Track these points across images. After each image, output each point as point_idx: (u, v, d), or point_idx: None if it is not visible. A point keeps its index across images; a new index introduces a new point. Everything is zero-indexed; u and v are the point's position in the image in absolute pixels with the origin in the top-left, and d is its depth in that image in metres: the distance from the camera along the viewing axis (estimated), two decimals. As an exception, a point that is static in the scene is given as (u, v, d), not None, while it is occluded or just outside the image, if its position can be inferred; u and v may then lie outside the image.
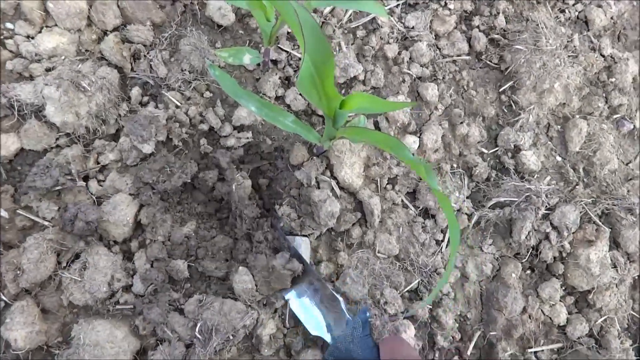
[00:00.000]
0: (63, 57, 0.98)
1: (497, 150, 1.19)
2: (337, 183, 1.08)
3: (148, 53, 1.04)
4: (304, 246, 1.04)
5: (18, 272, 0.91)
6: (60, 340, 0.94)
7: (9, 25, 0.97)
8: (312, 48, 0.69)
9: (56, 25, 0.99)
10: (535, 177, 1.18)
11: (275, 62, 1.10)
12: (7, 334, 0.88)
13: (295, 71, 1.11)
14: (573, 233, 1.14)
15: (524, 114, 1.20)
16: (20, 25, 0.97)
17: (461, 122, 1.17)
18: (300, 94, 1.10)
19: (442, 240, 1.12)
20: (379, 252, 1.09)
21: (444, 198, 0.63)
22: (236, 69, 1.09)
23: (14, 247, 0.93)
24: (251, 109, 0.90)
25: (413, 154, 0.87)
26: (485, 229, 1.15)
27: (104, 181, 0.98)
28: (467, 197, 1.15)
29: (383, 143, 0.81)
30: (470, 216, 1.14)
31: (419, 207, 1.13)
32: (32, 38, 0.98)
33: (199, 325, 0.91)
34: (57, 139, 0.97)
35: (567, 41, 1.22)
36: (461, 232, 1.13)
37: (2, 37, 0.96)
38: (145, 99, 1.04)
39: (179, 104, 1.03)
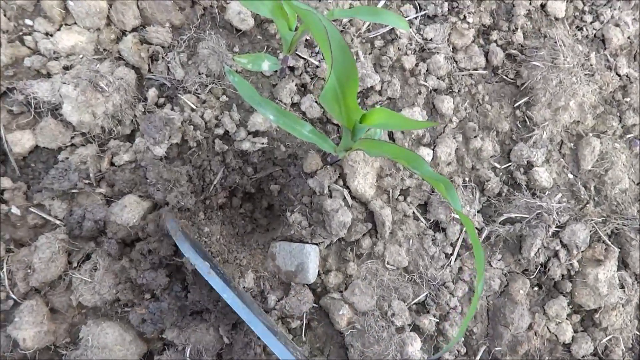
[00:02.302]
0: (81, 56, 0.98)
1: (509, 166, 1.19)
2: (350, 192, 1.08)
3: (166, 55, 1.03)
4: (313, 255, 1.04)
5: (29, 270, 0.91)
6: (68, 340, 0.94)
7: (28, 21, 0.96)
8: (338, 65, 0.68)
9: (75, 23, 0.98)
10: (546, 193, 1.18)
11: (292, 68, 1.10)
12: (16, 333, 0.88)
13: (312, 78, 1.11)
14: (582, 252, 1.14)
15: (538, 130, 1.20)
16: (40, 22, 0.96)
17: (475, 136, 1.17)
18: (316, 102, 1.09)
19: (452, 254, 1.12)
20: (388, 264, 1.09)
21: (467, 221, 0.63)
22: (253, 74, 1.09)
23: (25, 245, 0.93)
24: (269, 117, 0.90)
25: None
26: (495, 244, 1.15)
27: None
28: (478, 211, 1.15)
29: (401, 157, 0.80)
30: (480, 231, 1.14)
31: (430, 220, 1.12)
32: (51, 35, 0.97)
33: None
34: (72, 137, 0.96)
35: (584, 59, 1.22)
36: (470, 247, 1.13)
37: (21, 33, 0.96)
38: (162, 100, 1.03)
39: (194, 107, 1.03)
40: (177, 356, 0.94)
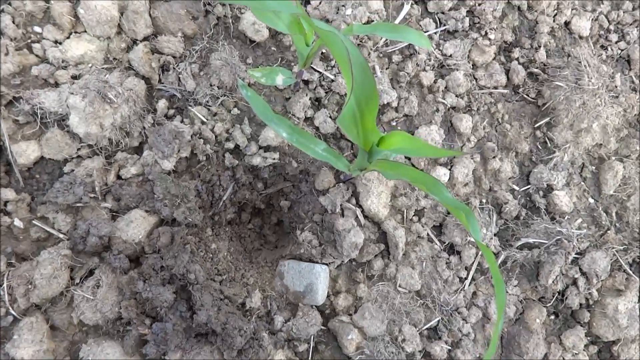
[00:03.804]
0: (90, 65, 0.95)
1: (528, 188, 1.15)
2: (362, 212, 1.04)
3: (177, 65, 1.00)
4: (322, 275, 1.01)
5: (29, 286, 0.88)
6: (68, 359, 0.91)
7: (37, 29, 0.93)
8: (358, 87, 0.65)
9: (85, 31, 0.95)
10: (566, 218, 1.14)
11: (306, 82, 1.07)
12: (14, 352, 0.85)
13: (326, 92, 1.07)
14: (602, 280, 1.10)
15: (559, 152, 1.16)
16: (49, 29, 0.93)
17: (494, 157, 1.13)
18: (330, 117, 1.06)
19: (466, 278, 1.08)
20: (400, 286, 1.05)
21: (489, 252, 0.59)
22: (266, 87, 1.05)
23: (27, 260, 0.90)
24: (282, 134, 0.87)
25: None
26: (511, 269, 1.10)
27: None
28: (495, 235, 1.11)
29: (420, 181, 0.77)
30: (497, 255, 1.10)
31: (444, 242, 1.09)
32: (60, 44, 0.94)
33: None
34: (78, 149, 0.93)
35: (609, 80, 1.17)
36: (486, 271, 1.09)
37: (29, 40, 0.93)
38: (171, 112, 1.00)
39: (205, 119, 1.00)
40: (180, 379, 0.91)
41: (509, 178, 1.15)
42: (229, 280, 1.00)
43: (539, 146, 1.18)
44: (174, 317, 0.89)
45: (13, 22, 0.91)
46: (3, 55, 0.89)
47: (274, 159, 1.03)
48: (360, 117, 0.73)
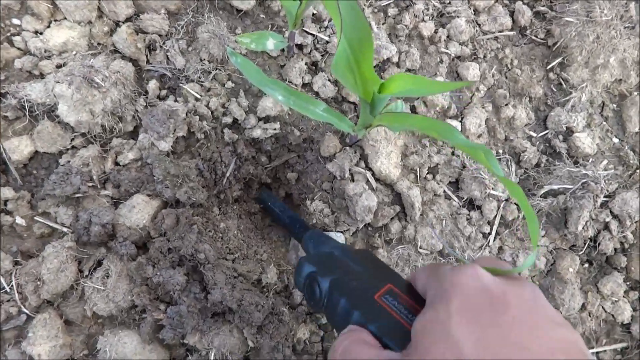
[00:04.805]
0: (74, 52, 0.92)
1: (547, 134, 1.09)
2: (373, 174, 0.99)
3: (164, 43, 0.97)
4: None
5: (38, 282, 0.86)
6: (86, 353, 0.88)
7: (15, 21, 0.90)
8: (349, 28, 0.60)
9: (65, 18, 0.92)
10: (590, 161, 1.07)
11: (300, 46, 1.02)
12: (30, 349, 0.83)
13: (322, 55, 1.02)
14: (636, 222, 1.03)
15: (576, 93, 1.09)
16: (28, 20, 0.90)
17: (506, 104, 1.07)
18: (329, 80, 1.01)
19: (489, 233, 1.03)
20: (420, 248, 1.00)
21: (514, 186, 0.53)
22: (259, 56, 1.01)
23: (33, 257, 0.88)
24: (278, 98, 0.82)
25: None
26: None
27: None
28: (516, 186, 1.05)
29: (429, 128, 0.71)
30: (519, 206, 1.04)
31: (462, 198, 1.03)
32: (41, 34, 0.91)
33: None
34: (72, 139, 0.90)
35: (623, 10, 1.09)
36: (511, 224, 1.03)
37: (9, 34, 0.90)
38: (164, 92, 0.97)
39: (198, 96, 0.96)
40: (201, 362, 0.88)
41: (525, 125, 1.08)
42: (242, 258, 0.96)
43: (554, 88, 1.11)
44: (188, 299, 0.86)
45: (-10, 16, 0.89)
46: (-16, 50, 0.86)
47: (275, 129, 0.98)
48: (355, 64, 0.68)
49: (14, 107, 0.87)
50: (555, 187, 1.02)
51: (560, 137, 1.08)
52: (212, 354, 0.88)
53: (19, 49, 0.90)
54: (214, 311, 0.88)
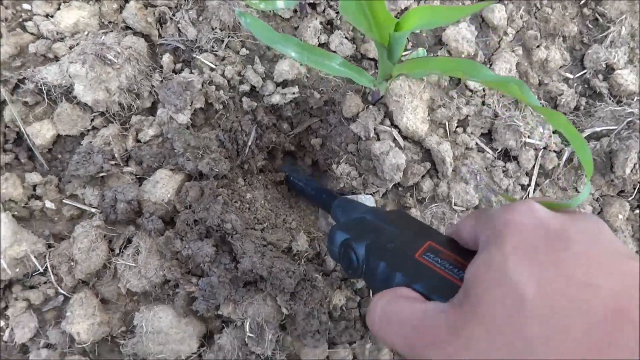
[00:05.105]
0: (86, 33, 0.91)
1: (584, 74, 1.01)
2: (399, 132, 0.95)
3: (174, 15, 0.95)
4: (368, 204, 0.93)
5: (72, 263, 0.86)
6: (124, 330, 0.89)
7: (25, 6, 0.90)
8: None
9: (74, -2, 0.91)
10: (635, 99, 0.99)
11: (313, 5, 0.98)
12: (70, 328, 0.84)
13: (337, 12, 0.98)
14: (691, 159, 0.95)
15: (614, 27, 1.01)
16: (37, 4, 0.90)
17: (537, 46, 1.00)
18: (346, 38, 0.97)
19: (529, 185, 0.97)
20: (455, 205, 0.95)
21: (554, 113, 0.48)
22: (271, 20, 0.98)
23: (65, 239, 0.89)
24: (291, 55, 0.79)
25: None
26: (579, 166, 0.98)
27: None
28: (554, 132, 0.98)
29: (453, 69, 0.66)
30: (559, 153, 0.97)
31: (497, 150, 0.97)
32: (52, 17, 0.91)
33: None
34: (92, 120, 0.90)
35: None
36: (551, 173, 0.97)
37: (21, 19, 0.90)
38: (179, 66, 0.95)
39: (213, 65, 0.94)
40: (237, 333, 0.87)
41: (560, 67, 1.01)
42: (271, 227, 0.94)
43: (589, 25, 1.03)
44: (218, 270, 0.85)
45: (1, 3, 0.89)
46: (-2, 37, 0.87)
47: (294, 93, 0.95)
48: (367, 5, 0.63)
49: (32, 92, 0.87)
50: (597, 129, 0.95)
51: (600, 76, 1.00)
52: (247, 324, 0.86)
53: (32, 33, 0.90)
54: (245, 280, 0.87)
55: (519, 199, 0.74)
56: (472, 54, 0.97)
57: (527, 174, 0.97)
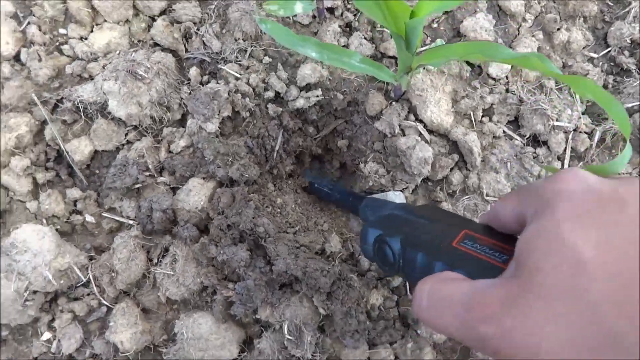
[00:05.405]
0: (118, 52, 0.96)
1: (609, 52, 0.99)
2: (424, 126, 0.95)
3: (198, 30, 0.99)
4: (398, 201, 0.92)
5: (112, 274, 0.89)
6: (166, 338, 0.90)
7: (62, 30, 0.96)
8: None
9: (105, 20, 0.96)
10: (665, 74, 0.97)
11: (331, 10, 1.00)
12: (113, 338, 0.86)
13: (355, 15, 1.00)
14: None
15: (635, 2, 0.99)
16: (72, 28, 0.96)
17: (558, 29, 0.99)
18: (365, 38, 0.99)
19: (561, 169, 0.95)
20: (487, 195, 0.94)
21: (580, 79, 0.48)
22: (291, 27, 1.00)
23: (105, 251, 0.92)
24: (311, 55, 0.80)
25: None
26: (612, 145, 0.95)
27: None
28: (583, 113, 0.97)
29: (471, 52, 0.67)
30: (590, 134, 0.95)
31: (525, 136, 0.96)
32: (85, 39, 0.96)
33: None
34: (126, 134, 0.94)
35: None
36: (584, 155, 0.95)
37: (57, 43, 0.96)
38: (205, 77, 0.98)
39: (238, 75, 0.97)
40: (277, 337, 0.87)
41: (583, 47, 1.00)
42: (303, 230, 0.95)
43: (610, 2, 1.02)
44: (254, 274, 0.85)
45: (39, 29, 0.94)
46: (37, 62, 0.92)
47: (317, 96, 0.97)
48: (381, -4, 0.65)
49: (70, 110, 0.91)
50: (628, 105, 0.93)
51: (626, 52, 0.99)
52: (286, 327, 0.86)
53: (68, 56, 0.95)
54: (280, 282, 0.87)
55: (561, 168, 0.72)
56: (492, 41, 0.97)
57: (559, 158, 0.95)
